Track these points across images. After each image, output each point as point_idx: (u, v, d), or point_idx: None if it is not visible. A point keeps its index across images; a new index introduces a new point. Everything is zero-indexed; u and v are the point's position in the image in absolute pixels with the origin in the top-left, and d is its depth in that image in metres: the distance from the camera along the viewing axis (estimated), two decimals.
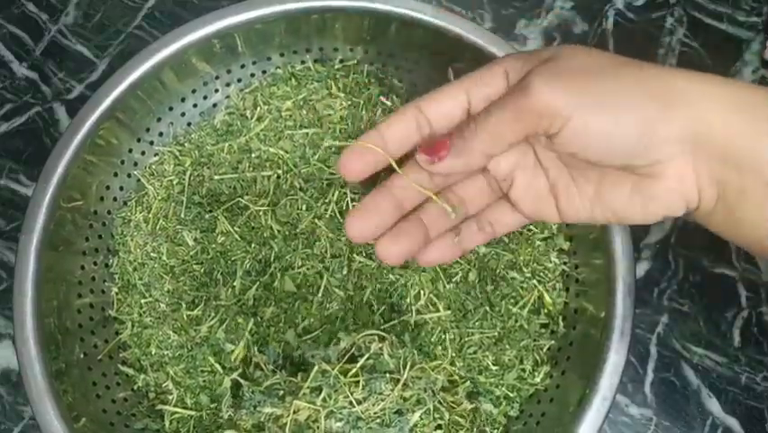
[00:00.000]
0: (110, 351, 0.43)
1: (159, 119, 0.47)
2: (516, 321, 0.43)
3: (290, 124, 0.47)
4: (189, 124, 0.49)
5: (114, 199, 0.46)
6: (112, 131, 0.44)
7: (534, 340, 0.42)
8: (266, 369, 0.39)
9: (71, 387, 0.39)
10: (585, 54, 0.28)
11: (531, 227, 0.45)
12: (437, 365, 0.40)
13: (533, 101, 0.26)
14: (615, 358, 0.37)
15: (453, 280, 0.43)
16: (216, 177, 0.46)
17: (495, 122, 0.28)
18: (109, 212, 0.46)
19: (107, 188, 0.46)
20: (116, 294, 0.45)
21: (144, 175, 0.47)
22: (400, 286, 0.42)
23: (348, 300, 0.42)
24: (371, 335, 0.38)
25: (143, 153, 0.47)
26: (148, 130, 0.47)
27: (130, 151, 0.46)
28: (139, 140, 0.47)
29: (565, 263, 0.44)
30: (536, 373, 0.42)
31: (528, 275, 0.44)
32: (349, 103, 0.48)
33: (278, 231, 0.44)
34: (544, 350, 0.43)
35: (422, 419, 0.36)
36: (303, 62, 0.50)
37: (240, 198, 0.45)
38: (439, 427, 0.37)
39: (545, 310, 0.43)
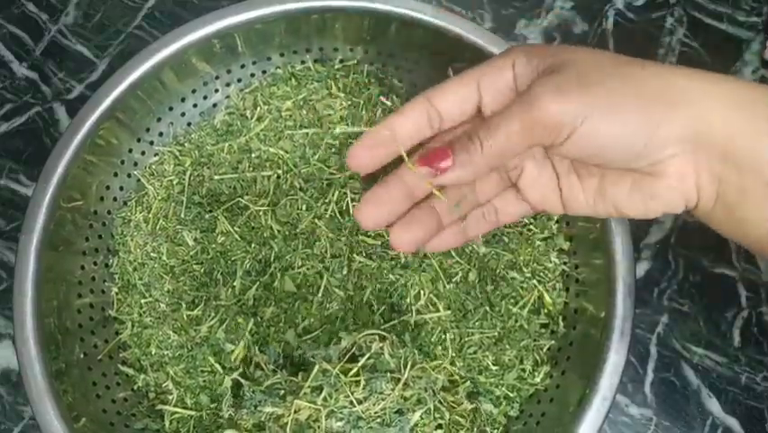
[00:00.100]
0: (110, 351, 0.43)
1: (159, 119, 0.47)
2: (516, 321, 0.43)
3: (290, 124, 0.47)
4: (189, 124, 0.49)
5: (114, 199, 0.46)
6: (112, 131, 0.44)
7: (534, 340, 0.42)
8: (266, 369, 0.39)
9: (71, 387, 0.39)
10: (586, 57, 0.28)
11: (531, 227, 0.45)
12: (437, 365, 0.40)
13: (541, 115, 0.26)
14: (615, 358, 0.37)
15: (453, 280, 0.43)
16: (216, 177, 0.46)
17: (503, 137, 0.27)
18: (109, 212, 0.46)
19: (107, 188, 0.46)
20: (116, 294, 0.45)
21: (144, 175, 0.47)
22: (400, 286, 0.42)
23: (348, 300, 0.42)
24: (372, 334, 0.38)
25: (143, 153, 0.47)
26: (148, 130, 0.47)
27: (130, 151, 0.46)
28: (139, 140, 0.47)
29: (565, 263, 0.44)
30: (536, 373, 0.42)
31: (528, 275, 0.44)
32: (349, 103, 0.48)
33: (278, 231, 0.44)
34: (544, 350, 0.43)
35: (422, 418, 0.36)
36: (303, 62, 0.50)
37: (240, 198, 0.45)
38: (439, 426, 0.37)
39: (545, 310, 0.43)
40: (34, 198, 0.40)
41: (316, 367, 0.36)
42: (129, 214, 0.46)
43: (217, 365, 0.41)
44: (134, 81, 0.43)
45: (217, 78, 0.48)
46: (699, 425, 0.45)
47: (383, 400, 0.35)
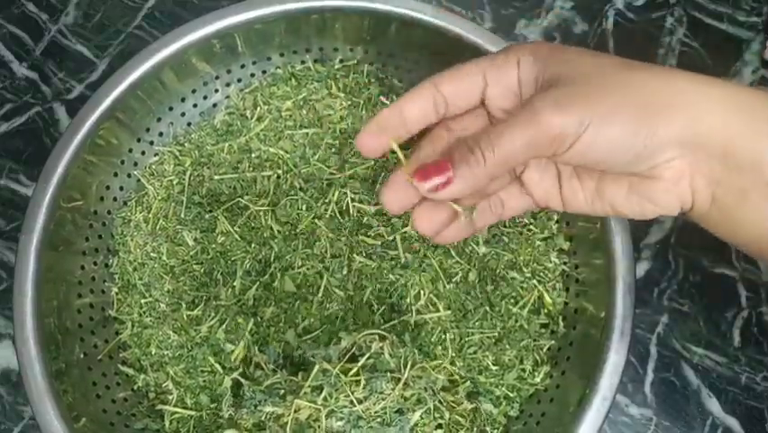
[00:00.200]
0: (110, 351, 0.43)
1: (159, 119, 0.47)
2: (516, 321, 0.43)
3: (290, 124, 0.47)
4: (189, 124, 0.49)
5: (114, 199, 0.46)
6: (112, 131, 0.44)
7: (535, 340, 0.42)
8: (266, 368, 0.39)
9: (71, 387, 0.39)
10: (586, 61, 0.28)
11: (531, 227, 0.45)
12: (437, 365, 0.40)
13: (543, 128, 0.26)
14: (615, 358, 0.37)
15: (453, 280, 0.43)
16: (216, 177, 0.46)
17: (505, 152, 0.27)
18: (109, 212, 0.46)
19: (107, 188, 0.46)
20: (116, 294, 0.45)
21: (144, 175, 0.47)
22: (400, 286, 0.42)
23: (348, 300, 0.42)
24: (372, 334, 0.38)
25: (143, 153, 0.47)
26: (148, 130, 0.47)
27: (130, 151, 0.46)
28: (139, 140, 0.47)
29: (565, 263, 0.44)
30: (536, 373, 0.42)
31: (528, 275, 0.44)
32: (349, 103, 0.48)
33: (278, 231, 0.44)
34: (544, 350, 0.43)
35: (422, 418, 0.36)
36: (303, 62, 0.50)
37: (240, 198, 0.45)
38: (439, 426, 0.37)
39: (545, 310, 0.43)
40: (34, 198, 0.40)
41: (316, 367, 0.36)
42: (129, 214, 0.46)
43: (217, 365, 0.41)
44: (134, 81, 0.43)
45: (217, 78, 0.48)
46: (699, 425, 0.45)
47: (383, 399, 0.35)
